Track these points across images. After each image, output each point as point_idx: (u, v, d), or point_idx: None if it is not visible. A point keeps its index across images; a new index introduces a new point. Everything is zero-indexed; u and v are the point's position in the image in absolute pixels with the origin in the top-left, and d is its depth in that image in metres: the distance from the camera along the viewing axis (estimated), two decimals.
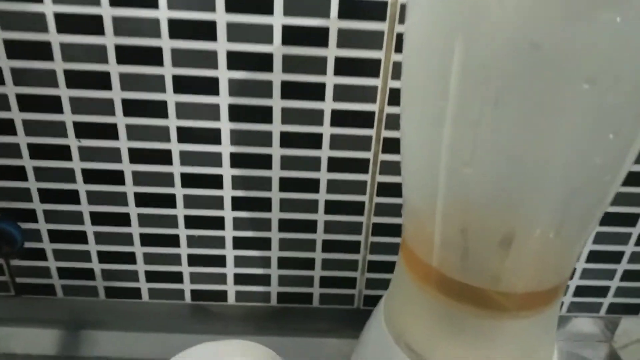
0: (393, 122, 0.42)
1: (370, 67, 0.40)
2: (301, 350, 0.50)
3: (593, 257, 0.49)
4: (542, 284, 0.29)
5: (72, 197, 0.45)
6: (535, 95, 0.22)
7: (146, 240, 0.47)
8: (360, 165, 0.44)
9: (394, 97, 0.41)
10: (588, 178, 0.25)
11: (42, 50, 0.39)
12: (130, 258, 0.48)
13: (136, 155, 0.43)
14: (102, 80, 0.40)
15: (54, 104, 0.41)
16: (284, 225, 0.46)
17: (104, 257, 0.48)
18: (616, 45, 0.21)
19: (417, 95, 0.27)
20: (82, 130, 0.42)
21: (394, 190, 0.45)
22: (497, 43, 0.22)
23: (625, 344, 0.57)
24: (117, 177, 0.44)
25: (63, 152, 0.43)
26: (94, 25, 0.38)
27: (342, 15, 0.38)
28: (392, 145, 0.43)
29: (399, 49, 0.39)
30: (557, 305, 0.32)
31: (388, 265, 0.49)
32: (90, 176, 0.44)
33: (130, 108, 0.41)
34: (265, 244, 0.47)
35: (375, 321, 0.37)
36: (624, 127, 0.23)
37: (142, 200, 0.45)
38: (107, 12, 0.38)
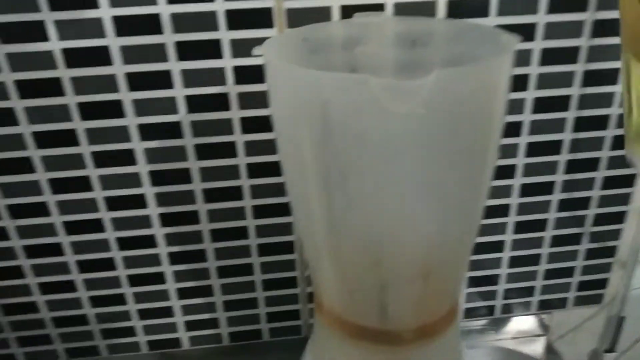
0: None
1: None
2: None
3: (515, 262, 0.53)
4: (430, 316, 0.32)
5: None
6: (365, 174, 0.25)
7: (97, 302, 0.50)
8: (286, 209, 0.47)
9: None
10: (441, 235, 0.28)
11: None
12: (84, 320, 0.50)
13: (71, 227, 0.46)
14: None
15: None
16: (222, 272, 0.50)
17: (59, 321, 0.50)
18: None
19: (290, 169, 0.30)
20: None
21: None
22: (329, 132, 0.25)
23: (560, 335, 0.61)
24: (55, 248, 0.47)
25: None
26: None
27: None
28: None
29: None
30: (455, 329, 0.35)
31: None
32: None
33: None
34: (208, 290, 0.50)
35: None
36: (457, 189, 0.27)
37: (84, 266, 0.48)
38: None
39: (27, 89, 0.40)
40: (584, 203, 0.50)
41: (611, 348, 0.60)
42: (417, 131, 0.24)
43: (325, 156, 0.26)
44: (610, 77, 0.45)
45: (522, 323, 0.59)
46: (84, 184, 0.44)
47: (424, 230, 0.28)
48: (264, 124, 0.43)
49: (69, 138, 0.42)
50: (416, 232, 0.28)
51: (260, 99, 0.42)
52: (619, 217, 0.51)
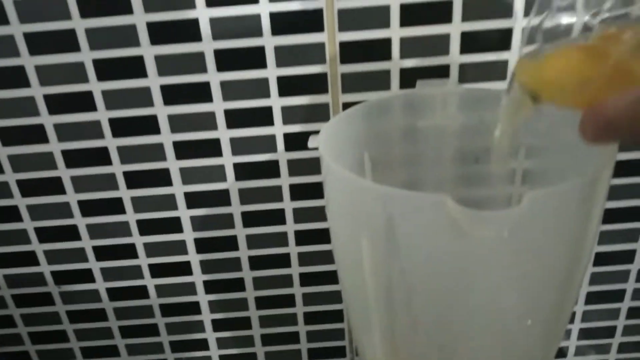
0: None
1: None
2: None
3: (594, 297, 0.48)
4: None
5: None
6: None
7: (128, 333, 0.47)
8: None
9: None
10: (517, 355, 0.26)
11: None
12: (114, 350, 0.49)
13: (101, 253, 0.43)
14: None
15: None
16: (261, 303, 0.46)
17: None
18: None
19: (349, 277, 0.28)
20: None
21: None
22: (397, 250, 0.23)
23: None
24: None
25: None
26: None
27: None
28: None
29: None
30: None
31: None
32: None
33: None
34: (245, 323, 0.48)
35: None
36: (535, 313, 0.24)
37: (115, 294, 0.44)
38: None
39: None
40: None
41: None
42: (498, 253, 0.21)
43: (389, 272, 0.23)
44: None
45: None
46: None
47: (499, 351, 0.25)
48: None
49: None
50: (489, 354, 0.25)
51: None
52: None
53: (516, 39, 0.36)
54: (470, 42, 0.36)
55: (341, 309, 0.45)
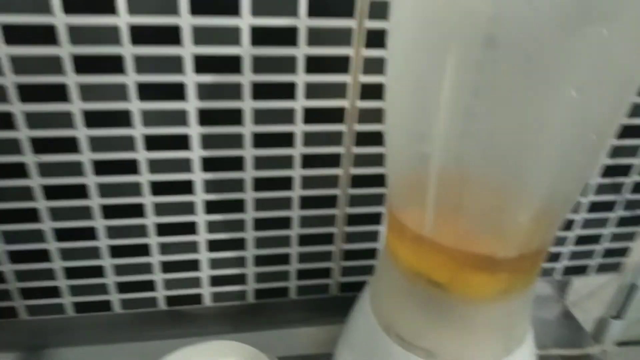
0: (364, 116, 0.43)
1: (340, 64, 0.40)
2: (279, 342, 0.51)
3: None
4: (528, 247, 0.30)
5: (33, 215, 0.42)
6: (525, 98, 0.23)
7: (117, 251, 0.45)
8: (333, 160, 0.44)
9: (365, 92, 0.42)
10: (568, 174, 0.27)
11: None
12: (98, 271, 0.46)
13: (100, 167, 0.41)
14: (58, 92, 0.37)
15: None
16: (259, 224, 0.46)
17: (70, 273, 0.45)
18: (604, 56, 0.22)
19: (407, 86, 0.28)
20: (41, 145, 0.39)
21: (367, 180, 0.46)
22: (491, 50, 0.23)
23: (575, 301, 0.63)
24: (80, 191, 0.41)
25: (20, 169, 0.40)
26: (47, 34, 0.35)
27: (311, 13, 0.38)
28: (364, 139, 0.44)
29: (369, 44, 0.40)
30: (533, 287, 0.34)
31: (363, 252, 0.50)
32: (52, 191, 0.41)
33: (92, 119, 0.39)
34: (240, 244, 0.47)
35: (362, 313, 0.38)
36: (603, 127, 0.25)
37: (110, 211, 0.43)
38: (61, 21, 0.35)
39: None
40: (626, 170, 0.50)
41: (619, 315, 0.62)
42: (594, 54, 0.22)
43: (478, 75, 0.23)
44: None
45: (541, 288, 0.60)
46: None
47: (554, 163, 0.25)
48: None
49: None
50: (546, 162, 0.25)
51: None
52: None
53: None
54: None
55: (337, 195, 0.44)
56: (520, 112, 0.24)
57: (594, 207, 0.52)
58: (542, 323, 0.58)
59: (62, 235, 0.43)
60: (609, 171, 0.50)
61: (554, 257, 0.55)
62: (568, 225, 0.53)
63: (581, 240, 0.54)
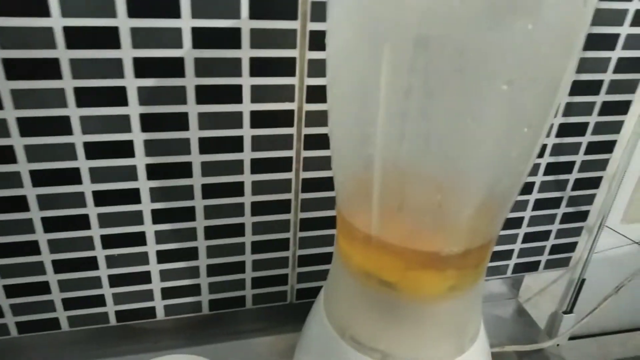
0: (312, 119, 0.43)
1: (286, 66, 0.40)
2: (236, 353, 0.50)
3: None
4: (472, 243, 0.30)
5: None
6: (459, 94, 0.24)
7: (61, 266, 0.43)
8: (284, 164, 0.44)
9: (312, 94, 0.42)
10: (505, 168, 0.27)
11: None
12: (43, 288, 0.44)
13: (40, 178, 0.39)
14: None
15: None
16: (211, 233, 0.45)
17: (11, 290, 0.43)
18: (531, 50, 0.23)
19: (346, 88, 0.28)
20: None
21: (318, 185, 0.46)
22: (423, 49, 0.23)
23: (528, 298, 0.64)
24: (18, 202, 0.39)
25: None
26: None
27: (253, 15, 0.38)
28: (313, 142, 0.44)
29: (313, 47, 0.40)
30: (481, 283, 0.35)
31: (318, 257, 0.50)
32: None
33: (29, 127, 0.37)
34: (192, 253, 0.46)
35: (317, 318, 0.38)
36: (536, 121, 0.26)
37: (51, 224, 0.41)
38: None
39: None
40: (568, 167, 0.52)
41: (570, 309, 0.64)
42: (522, 48, 0.22)
43: (412, 74, 0.23)
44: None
45: (494, 286, 0.61)
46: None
47: (490, 157, 0.26)
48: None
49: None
50: (483, 157, 0.26)
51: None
52: (596, 182, 0.54)
53: None
54: None
55: (289, 199, 0.44)
56: (455, 108, 0.24)
57: (540, 204, 0.53)
58: (497, 320, 0.59)
59: (0, 251, 0.41)
60: (552, 169, 0.52)
61: (505, 255, 0.57)
62: (516, 223, 0.54)
63: (529, 237, 0.56)
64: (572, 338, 0.67)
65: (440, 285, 0.31)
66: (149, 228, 0.43)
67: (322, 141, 0.43)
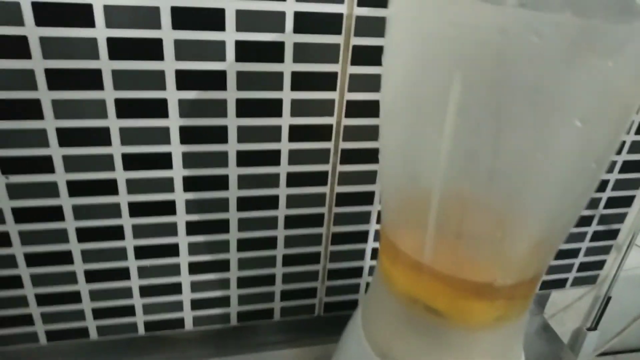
0: (350, 133, 0.42)
1: (327, 80, 0.39)
2: None
3: None
4: (523, 274, 0.30)
5: (2, 239, 0.39)
6: (530, 130, 0.23)
7: (93, 276, 0.43)
8: (319, 178, 0.43)
9: (351, 109, 0.41)
10: (569, 202, 0.27)
11: None
12: (74, 297, 0.43)
13: (76, 188, 0.39)
14: (31, 109, 0.35)
15: None
16: (243, 245, 0.45)
17: (42, 299, 0.43)
18: (608, 87, 0.22)
19: (404, 115, 0.27)
20: (12, 165, 0.37)
21: (352, 199, 0.45)
22: (498, 84, 0.22)
23: (553, 314, 0.63)
24: (54, 212, 0.39)
25: None
26: (19, 47, 0.33)
27: (297, 29, 0.37)
28: (350, 156, 0.43)
29: (354, 61, 0.39)
30: (526, 315, 0.34)
31: (347, 271, 0.50)
32: (22, 214, 0.39)
33: (67, 137, 0.37)
34: (223, 265, 0.45)
35: (354, 336, 0.37)
36: (604, 155, 0.25)
37: (85, 235, 0.41)
38: (33, 33, 0.33)
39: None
40: (602, 185, 0.51)
41: (594, 327, 0.63)
42: (600, 85, 0.22)
43: (483, 110, 0.23)
44: None
45: None
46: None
47: (556, 193, 0.25)
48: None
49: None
50: (550, 192, 0.25)
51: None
52: (629, 201, 0.53)
53: None
54: None
55: (323, 214, 0.43)
56: (524, 140, 0.23)
57: None
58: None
59: (34, 260, 0.41)
60: None
61: None
62: None
63: (559, 254, 0.55)
64: (597, 355, 0.66)
65: (489, 315, 0.31)
66: (183, 239, 0.43)
67: (359, 155, 0.43)
